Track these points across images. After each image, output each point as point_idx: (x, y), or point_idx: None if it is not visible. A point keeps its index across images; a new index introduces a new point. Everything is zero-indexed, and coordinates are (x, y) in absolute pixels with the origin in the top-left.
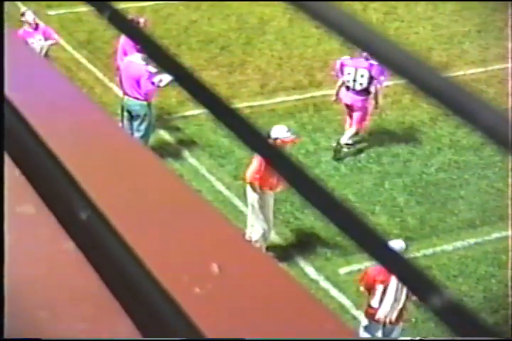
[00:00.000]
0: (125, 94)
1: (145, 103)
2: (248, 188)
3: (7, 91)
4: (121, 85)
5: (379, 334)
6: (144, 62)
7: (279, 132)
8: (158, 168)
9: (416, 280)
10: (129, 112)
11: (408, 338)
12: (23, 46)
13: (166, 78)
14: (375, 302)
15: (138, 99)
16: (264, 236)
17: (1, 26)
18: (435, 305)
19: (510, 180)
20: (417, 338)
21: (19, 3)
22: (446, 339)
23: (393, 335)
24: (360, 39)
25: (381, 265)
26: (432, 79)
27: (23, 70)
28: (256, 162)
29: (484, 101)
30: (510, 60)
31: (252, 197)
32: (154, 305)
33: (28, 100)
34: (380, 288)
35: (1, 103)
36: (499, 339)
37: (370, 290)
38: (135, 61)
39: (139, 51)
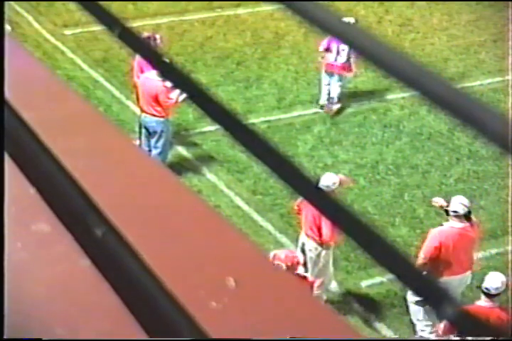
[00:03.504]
0: (142, 111)
1: (162, 119)
2: (316, 246)
3: (20, 109)
4: (138, 102)
5: None
6: (160, 78)
7: (328, 180)
8: (173, 185)
9: (429, 290)
10: (146, 129)
11: (412, 338)
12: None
13: (181, 94)
14: None
15: (155, 115)
16: (325, 287)
17: (1, 26)
18: (449, 314)
19: (510, 190)
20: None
21: (30, 18)
22: (445, 339)
23: None
24: (371, 52)
25: (395, 276)
26: (444, 91)
27: (38, 90)
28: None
29: (495, 110)
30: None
31: (319, 255)
32: (171, 320)
33: (43, 119)
34: None
35: (1, 117)
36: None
37: None
38: (152, 77)
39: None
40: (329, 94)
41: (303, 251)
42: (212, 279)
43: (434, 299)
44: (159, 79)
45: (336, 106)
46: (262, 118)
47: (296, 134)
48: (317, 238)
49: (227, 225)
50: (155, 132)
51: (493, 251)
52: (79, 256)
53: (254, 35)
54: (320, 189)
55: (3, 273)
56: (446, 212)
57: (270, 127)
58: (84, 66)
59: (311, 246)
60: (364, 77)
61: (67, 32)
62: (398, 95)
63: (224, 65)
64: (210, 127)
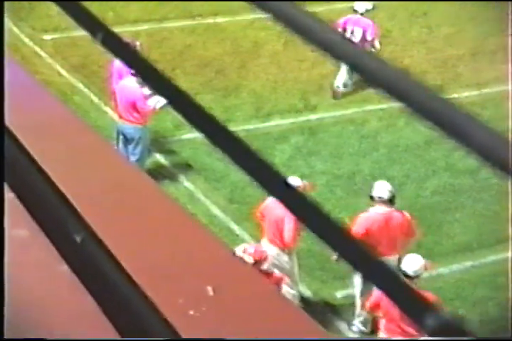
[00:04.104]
0: (120, 117)
1: (140, 126)
2: (278, 251)
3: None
4: (116, 109)
5: None
6: (138, 85)
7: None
8: (152, 191)
9: (410, 301)
10: (124, 136)
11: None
12: (19, 70)
13: (162, 100)
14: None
15: (133, 122)
16: (295, 294)
17: (1, 26)
18: (430, 326)
19: (510, 202)
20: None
21: (14, 27)
22: (443, 339)
23: None
24: (355, 61)
25: (376, 286)
26: (429, 101)
27: (17, 93)
28: (291, 224)
29: (480, 122)
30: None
31: (283, 260)
32: (149, 327)
33: (22, 123)
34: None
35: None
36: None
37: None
38: (130, 84)
39: (133, 74)
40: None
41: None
42: (190, 287)
43: (415, 309)
44: (137, 85)
45: (344, 90)
46: (240, 127)
47: (274, 144)
48: (279, 243)
49: (205, 233)
50: (133, 139)
51: (468, 264)
52: (57, 262)
53: (234, 44)
54: (303, 196)
55: (3, 274)
56: (371, 197)
57: (248, 136)
58: (63, 71)
59: (273, 252)
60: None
61: (46, 37)
62: (376, 106)
63: (203, 74)
64: (189, 135)
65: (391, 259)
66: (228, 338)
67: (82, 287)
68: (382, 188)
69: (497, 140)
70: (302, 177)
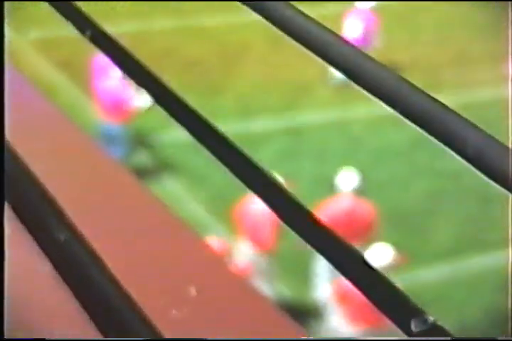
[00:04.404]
0: (103, 116)
1: (121, 126)
2: (256, 253)
3: None
4: (99, 108)
5: None
6: (121, 85)
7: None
8: (137, 189)
9: (395, 303)
10: (106, 135)
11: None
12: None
13: (145, 100)
14: None
15: (115, 121)
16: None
17: (1, 27)
18: (416, 329)
19: (510, 209)
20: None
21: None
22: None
23: None
24: (343, 61)
25: (354, 285)
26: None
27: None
28: (269, 225)
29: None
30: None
31: (260, 261)
32: (131, 327)
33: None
34: None
35: None
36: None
37: None
38: (114, 83)
39: (116, 74)
40: None
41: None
42: (173, 287)
43: (401, 313)
44: (121, 85)
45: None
46: (224, 128)
47: (258, 145)
48: (257, 244)
49: (190, 233)
50: (115, 138)
51: (448, 268)
52: (40, 261)
53: (219, 45)
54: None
55: (3, 274)
56: (338, 187)
57: (232, 137)
58: (47, 69)
59: (251, 253)
60: (327, 90)
61: (31, 34)
62: (361, 109)
63: (187, 74)
64: (170, 134)
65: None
66: (210, 338)
67: (64, 286)
68: (350, 177)
69: (492, 143)
70: (285, 178)
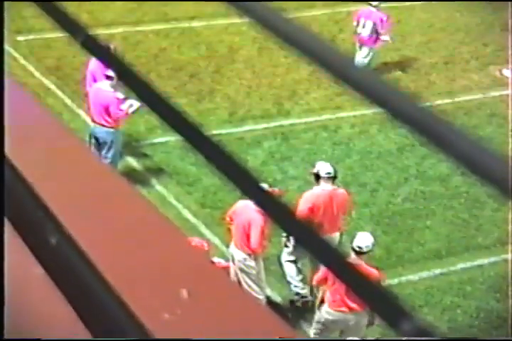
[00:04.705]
0: (93, 121)
1: (112, 130)
2: (245, 256)
3: None
4: (89, 112)
5: None
6: (112, 89)
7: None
8: (128, 193)
9: (386, 305)
10: (96, 139)
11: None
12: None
13: (135, 104)
14: None
15: (105, 125)
16: (262, 299)
17: (1, 26)
18: (405, 330)
19: (510, 212)
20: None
21: None
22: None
23: None
24: (336, 67)
25: (350, 288)
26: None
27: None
28: (257, 229)
29: (460, 128)
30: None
31: (249, 264)
32: (123, 330)
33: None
34: None
35: None
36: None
37: None
38: (104, 88)
39: (107, 78)
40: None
41: (233, 261)
42: (165, 290)
43: (391, 314)
44: (111, 89)
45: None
46: (214, 132)
47: (247, 149)
48: (246, 247)
49: (181, 236)
50: (105, 142)
51: (437, 271)
52: (32, 265)
53: (209, 49)
54: (282, 203)
55: (3, 274)
56: (317, 176)
57: (221, 141)
58: (36, 73)
59: (240, 256)
60: (316, 93)
61: (20, 38)
62: (349, 113)
63: (177, 77)
64: (161, 138)
65: (334, 237)
66: (200, 338)
67: (56, 290)
68: (326, 166)
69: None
70: (274, 182)
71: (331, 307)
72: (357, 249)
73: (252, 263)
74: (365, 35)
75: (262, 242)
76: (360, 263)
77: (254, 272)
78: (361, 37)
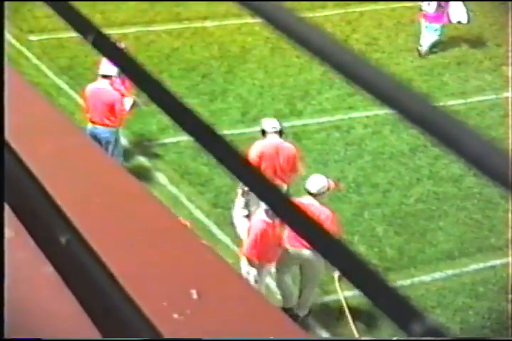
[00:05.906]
0: (92, 122)
1: (114, 129)
2: (243, 262)
3: None
4: (87, 113)
5: None
6: (111, 87)
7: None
8: (140, 193)
9: (397, 306)
10: (97, 140)
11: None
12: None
13: (128, 101)
14: None
15: (108, 125)
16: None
17: (1, 26)
18: (417, 331)
19: (510, 213)
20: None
21: None
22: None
23: None
24: (348, 67)
25: (361, 291)
26: (423, 109)
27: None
28: (252, 236)
29: (472, 129)
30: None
31: (247, 270)
32: (133, 330)
33: (10, 123)
34: None
35: None
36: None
37: None
38: (104, 87)
39: (104, 77)
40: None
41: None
42: (175, 290)
43: (402, 316)
44: (111, 88)
45: (425, 50)
46: (226, 132)
47: None
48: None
49: (191, 236)
50: (109, 142)
51: (450, 272)
52: (42, 263)
53: (221, 49)
54: (292, 203)
55: (4, 274)
56: (263, 131)
57: (233, 141)
58: (49, 73)
59: (240, 263)
60: (328, 94)
61: (33, 38)
62: (362, 113)
63: (189, 77)
64: (173, 138)
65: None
66: (208, 338)
67: (66, 288)
68: (272, 121)
69: (492, 149)
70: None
71: (287, 244)
72: (309, 190)
73: (252, 271)
74: (431, 12)
75: (252, 248)
76: (313, 203)
77: (252, 280)
78: (426, 14)
